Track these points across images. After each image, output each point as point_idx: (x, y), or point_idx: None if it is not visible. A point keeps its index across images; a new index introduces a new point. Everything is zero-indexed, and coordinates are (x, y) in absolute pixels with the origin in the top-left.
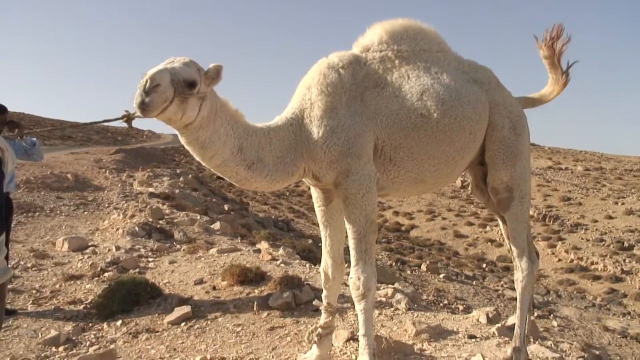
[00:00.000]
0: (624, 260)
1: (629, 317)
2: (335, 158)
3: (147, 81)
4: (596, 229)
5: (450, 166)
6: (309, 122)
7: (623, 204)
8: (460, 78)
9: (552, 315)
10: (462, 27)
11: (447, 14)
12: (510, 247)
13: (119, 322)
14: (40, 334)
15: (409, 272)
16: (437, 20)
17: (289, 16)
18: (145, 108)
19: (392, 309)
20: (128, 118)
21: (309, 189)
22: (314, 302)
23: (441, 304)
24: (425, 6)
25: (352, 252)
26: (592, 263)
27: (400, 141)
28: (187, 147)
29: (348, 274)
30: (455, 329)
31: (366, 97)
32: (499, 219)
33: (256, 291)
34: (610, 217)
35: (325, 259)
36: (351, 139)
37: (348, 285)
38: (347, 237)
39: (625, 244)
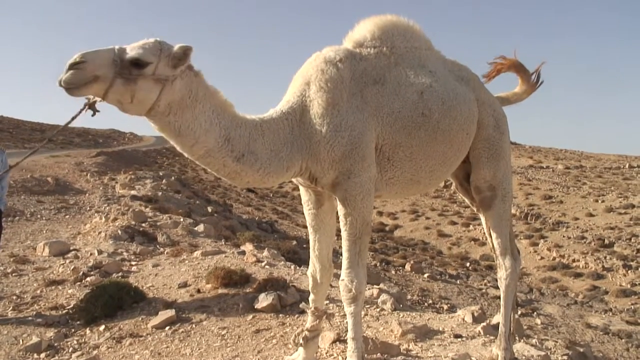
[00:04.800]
0: (605, 258)
1: (610, 314)
2: (338, 158)
3: (74, 59)
4: (577, 227)
5: (446, 167)
6: (309, 121)
7: (603, 201)
8: (450, 77)
9: (535, 313)
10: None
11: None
12: (493, 245)
13: (102, 327)
14: (21, 340)
15: (393, 272)
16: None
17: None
18: (63, 85)
19: (378, 310)
20: (90, 105)
21: (293, 190)
22: (300, 305)
23: (426, 304)
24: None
25: (346, 254)
26: (573, 260)
27: (400, 140)
28: (163, 135)
29: (335, 275)
30: (441, 329)
31: (366, 93)
32: (481, 217)
33: (241, 293)
34: (591, 215)
35: (314, 263)
36: (355, 138)
37: (335, 287)
38: (337, 239)
39: (606, 241)
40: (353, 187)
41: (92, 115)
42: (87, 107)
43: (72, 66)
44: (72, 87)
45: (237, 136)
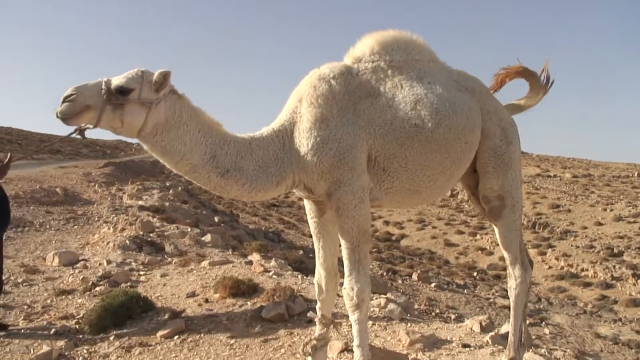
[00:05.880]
0: (614, 267)
1: (620, 324)
2: (327, 169)
3: (67, 93)
4: (586, 236)
5: (446, 176)
6: (298, 135)
7: (612, 210)
8: (452, 87)
9: (543, 322)
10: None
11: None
12: (504, 255)
13: (111, 337)
14: (32, 349)
15: (400, 281)
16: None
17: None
18: (59, 116)
19: (386, 319)
20: (80, 131)
21: (300, 199)
22: (308, 314)
23: (433, 314)
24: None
25: (346, 263)
26: (582, 270)
27: (394, 151)
28: (152, 154)
29: (342, 284)
30: (449, 338)
31: (359, 107)
32: (494, 227)
33: (249, 303)
34: (600, 224)
35: (319, 271)
36: (343, 149)
37: (342, 296)
38: (341, 247)
39: (615, 250)
40: (345, 196)
41: (82, 140)
42: (77, 131)
43: (66, 99)
44: (67, 117)
45: (224, 153)
